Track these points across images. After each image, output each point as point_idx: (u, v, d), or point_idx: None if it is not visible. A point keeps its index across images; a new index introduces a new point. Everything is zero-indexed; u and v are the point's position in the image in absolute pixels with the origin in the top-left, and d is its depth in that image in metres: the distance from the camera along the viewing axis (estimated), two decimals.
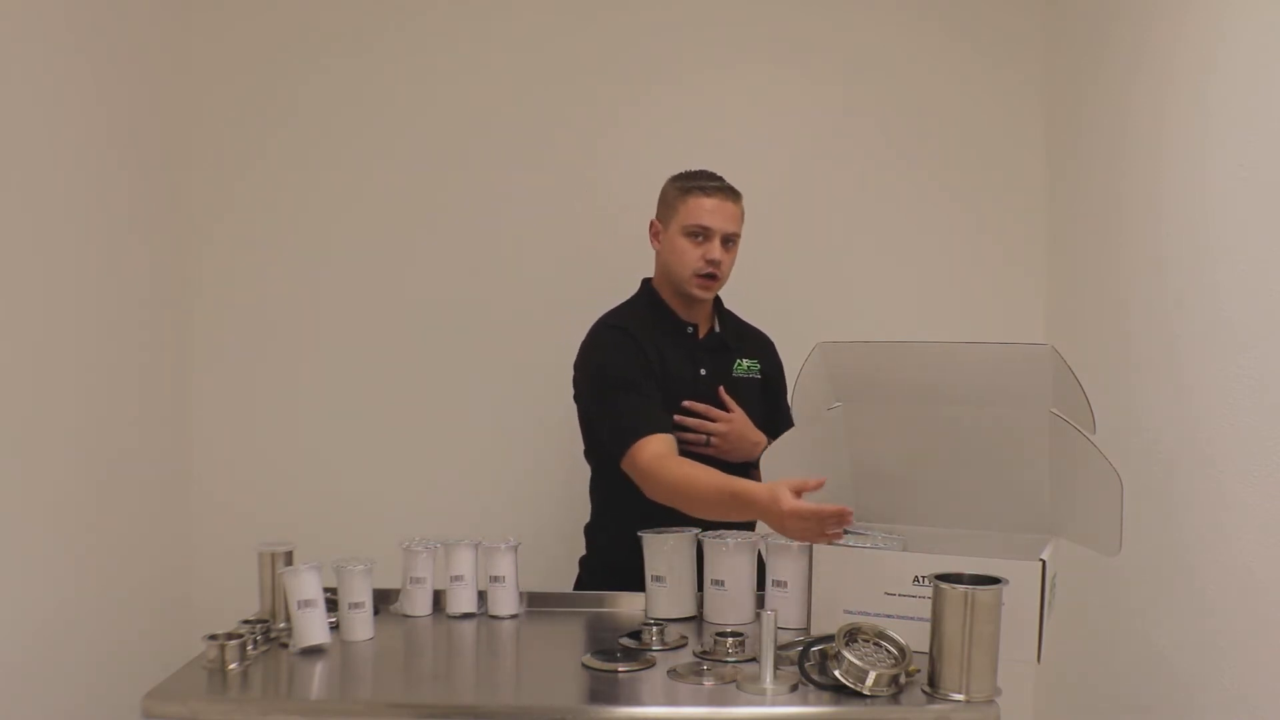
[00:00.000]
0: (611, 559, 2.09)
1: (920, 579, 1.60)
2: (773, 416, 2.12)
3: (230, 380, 2.65)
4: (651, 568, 1.86)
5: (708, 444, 2.00)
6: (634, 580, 1.93)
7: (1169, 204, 2.01)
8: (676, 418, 2.00)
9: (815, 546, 1.70)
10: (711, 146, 2.63)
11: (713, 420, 2.01)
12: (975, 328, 2.57)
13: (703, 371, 2.08)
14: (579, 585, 2.15)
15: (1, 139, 1.86)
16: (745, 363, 2.13)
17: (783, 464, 1.84)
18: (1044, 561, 1.55)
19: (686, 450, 1.97)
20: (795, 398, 1.82)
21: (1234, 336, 1.77)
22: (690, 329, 2.10)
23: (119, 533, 2.27)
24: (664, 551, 1.85)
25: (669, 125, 2.65)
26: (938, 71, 2.66)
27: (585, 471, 2.15)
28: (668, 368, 2.03)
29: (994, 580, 1.45)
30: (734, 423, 2.02)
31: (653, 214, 2.13)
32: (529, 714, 1.47)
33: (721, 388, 2.05)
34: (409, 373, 2.66)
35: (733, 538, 1.82)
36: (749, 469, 2.05)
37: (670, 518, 1.91)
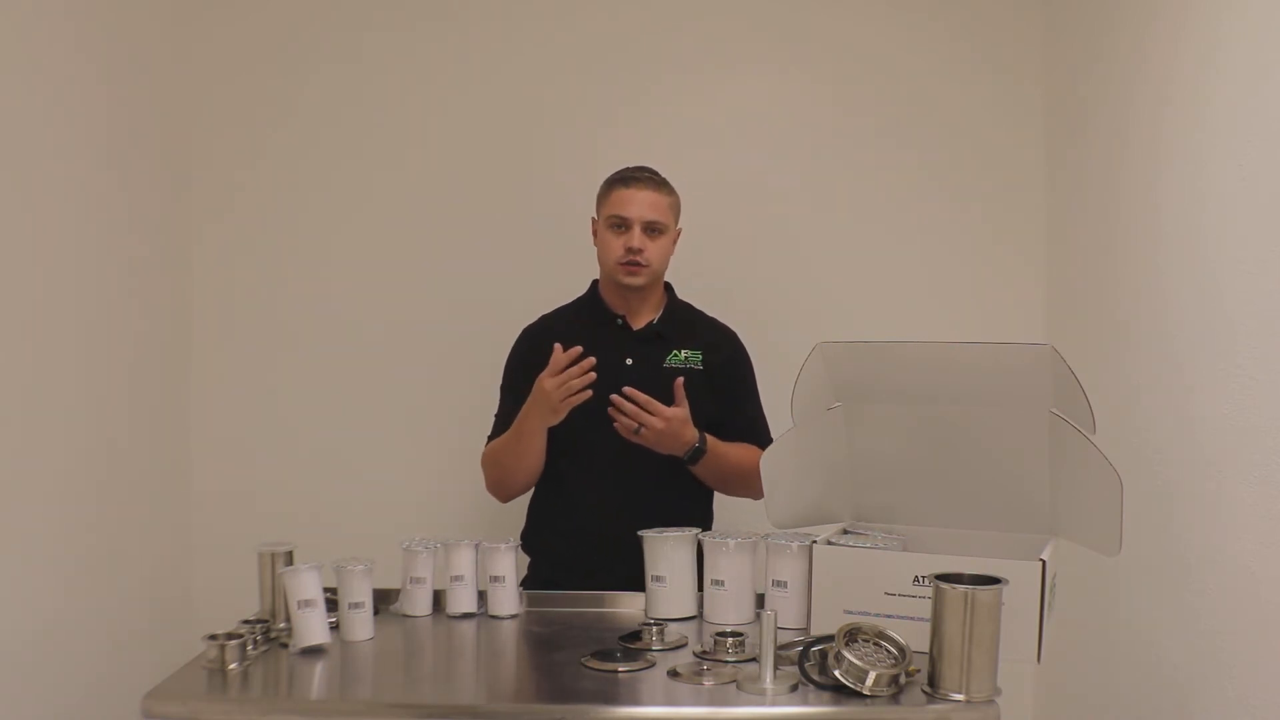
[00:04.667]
0: (549, 575, 2.14)
1: (920, 579, 1.59)
2: (722, 411, 2.10)
3: (230, 380, 2.66)
4: (651, 568, 1.86)
5: (638, 433, 1.99)
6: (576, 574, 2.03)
7: (1168, 203, 2.01)
8: (615, 399, 1.98)
9: (815, 547, 1.70)
10: (711, 146, 2.64)
11: (651, 413, 1.98)
12: (975, 328, 2.57)
13: (629, 361, 2.09)
14: (526, 580, 2.18)
15: (1, 137, 1.86)
16: (684, 353, 2.13)
17: (783, 464, 1.84)
18: (1044, 561, 1.55)
19: (616, 436, 2.00)
20: (795, 398, 1.81)
21: (1234, 336, 1.77)
22: (620, 320, 2.14)
23: (119, 533, 2.28)
24: (664, 551, 1.85)
25: (668, 124, 2.65)
26: (938, 71, 2.66)
27: None
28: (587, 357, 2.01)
29: (994, 580, 1.45)
30: (672, 421, 1.99)
31: None
32: (529, 714, 1.47)
33: (680, 380, 2.02)
34: (409, 373, 2.66)
35: (734, 538, 1.82)
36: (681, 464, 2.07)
37: (584, 515, 2.07)
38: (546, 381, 1.96)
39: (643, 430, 1.99)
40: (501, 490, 2.17)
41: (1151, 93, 2.09)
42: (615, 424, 2.00)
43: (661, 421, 1.98)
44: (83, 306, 2.14)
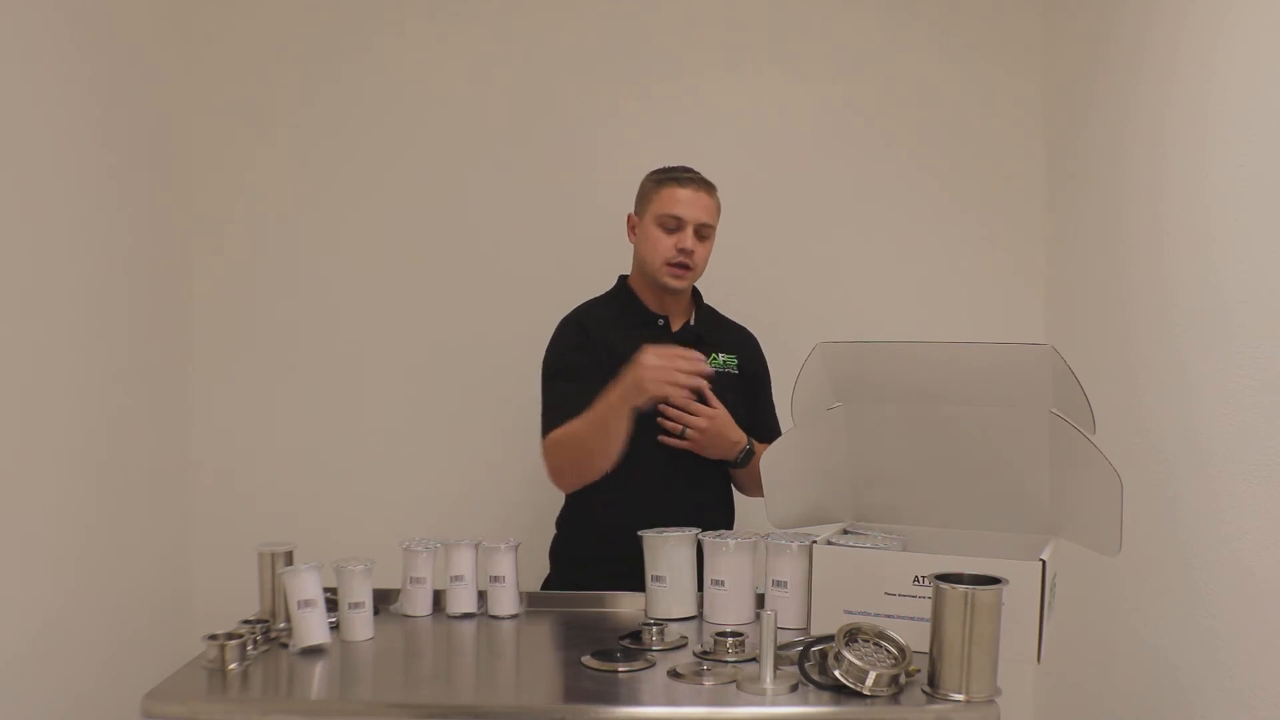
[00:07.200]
0: (576, 552, 2.13)
1: (920, 579, 1.60)
2: (754, 415, 2.11)
3: (230, 380, 2.65)
4: (651, 568, 1.86)
5: (683, 436, 1.99)
6: (598, 576, 1.98)
7: (1169, 204, 2.01)
8: (661, 407, 1.96)
9: (815, 547, 1.70)
10: (711, 146, 2.64)
11: (693, 414, 1.99)
12: (975, 328, 2.57)
13: None
14: (548, 582, 2.16)
15: (0, 138, 1.86)
16: (722, 357, 2.12)
17: (784, 465, 1.85)
18: (1044, 561, 1.55)
19: (662, 445, 1.99)
20: (795, 398, 1.81)
21: (1234, 336, 1.77)
22: (661, 321, 2.11)
23: (119, 533, 2.28)
24: (664, 551, 1.85)
25: (669, 124, 2.65)
26: (938, 71, 2.66)
27: None
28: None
29: (994, 580, 1.45)
30: (715, 419, 2.00)
31: None
32: (529, 714, 1.47)
33: (705, 383, 2.02)
34: (409, 373, 2.66)
35: (734, 538, 1.82)
36: (726, 467, 2.08)
37: (632, 506, 1.96)
38: (649, 355, 1.81)
39: (689, 433, 1.98)
40: (574, 475, 2.00)
41: (1151, 93, 2.09)
42: (659, 436, 1.98)
43: (705, 420, 1.98)
44: (82, 306, 2.14)
